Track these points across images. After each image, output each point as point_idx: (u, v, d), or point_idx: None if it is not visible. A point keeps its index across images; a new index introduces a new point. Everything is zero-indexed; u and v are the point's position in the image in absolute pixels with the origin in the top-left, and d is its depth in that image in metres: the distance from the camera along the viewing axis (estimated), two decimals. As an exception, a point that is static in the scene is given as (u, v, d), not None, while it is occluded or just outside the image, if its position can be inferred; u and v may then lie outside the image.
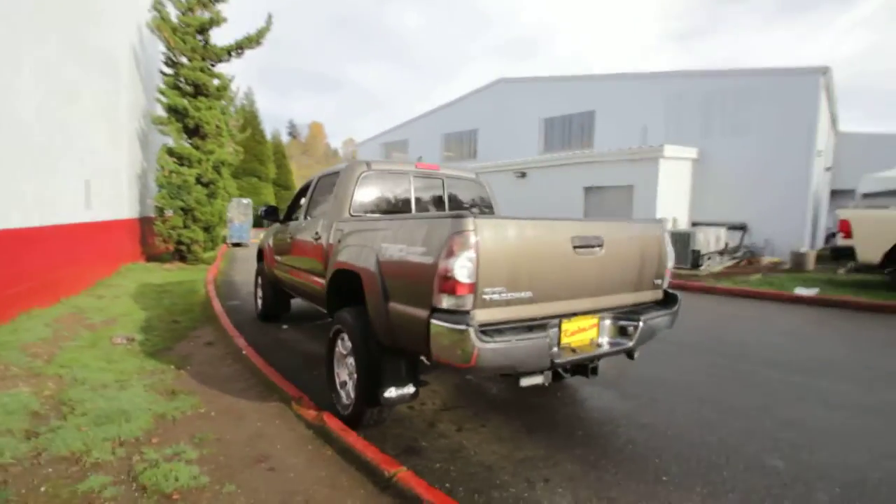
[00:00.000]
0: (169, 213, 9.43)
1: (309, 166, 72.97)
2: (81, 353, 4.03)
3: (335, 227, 3.49)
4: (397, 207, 3.93)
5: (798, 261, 11.27)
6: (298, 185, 42.03)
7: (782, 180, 14.49)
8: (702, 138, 15.99)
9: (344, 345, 3.04)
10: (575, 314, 2.55)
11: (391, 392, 2.66)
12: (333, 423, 2.74)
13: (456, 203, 4.23)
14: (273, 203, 31.81)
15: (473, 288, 2.12)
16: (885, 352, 4.92)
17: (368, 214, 3.72)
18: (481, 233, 2.13)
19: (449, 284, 2.11)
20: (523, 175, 17.06)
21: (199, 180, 9.59)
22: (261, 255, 6.06)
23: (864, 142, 18.59)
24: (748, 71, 15.49)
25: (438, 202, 4.14)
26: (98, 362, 3.86)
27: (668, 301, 3.05)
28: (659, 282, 2.99)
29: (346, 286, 3.29)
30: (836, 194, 19.20)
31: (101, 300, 6.17)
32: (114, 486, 2.14)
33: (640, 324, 2.70)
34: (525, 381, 2.42)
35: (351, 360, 2.97)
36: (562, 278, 2.45)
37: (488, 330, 2.14)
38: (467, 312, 2.13)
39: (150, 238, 9.96)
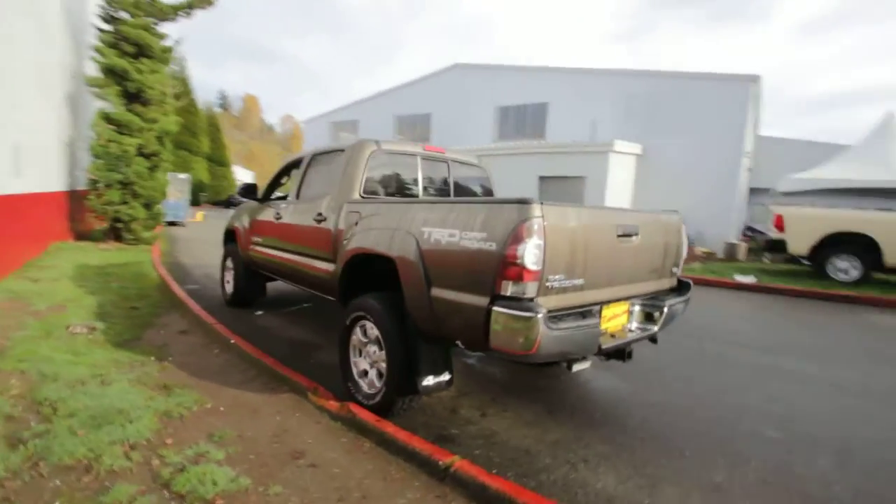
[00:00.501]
0: (104, 186, 8.43)
1: (242, 142, 68.41)
2: (37, 345, 3.52)
3: (347, 209, 3.29)
4: (406, 190, 3.79)
5: (730, 251, 12.40)
6: (235, 161, 39.32)
7: (714, 177, 15.75)
8: (645, 135, 16.95)
9: (366, 332, 2.90)
10: (612, 301, 2.61)
11: (429, 380, 2.59)
12: (365, 415, 2.62)
13: (461, 188, 4.16)
14: (206, 181, 29.58)
15: (539, 275, 2.10)
16: (828, 333, 5.56)
17: (387, 196, 3.55)
18: (548, 219, 2.10)
19: (515, 271, 2.07)
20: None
21: (140, 151, 8.64)
22: (230, 236, 5.62)
23: (779, 145, 20.57)
24: (688, 74, 16.58)
25: (445, 186, 4.05)
26: (62, 354, 3.40)
27: (681, 288, 3.22)
28: (675, 270, 3.14)
29: (365, 272, 3.14)
30: (753, 192, 21.26)
31: (39, 284, 5.42)
32: (144, 495, 1.90)
33: (666, 309, 2.82)
34: (576, 367, 2.45)
35: (374, 349, 2.85)
36: (607, 266, 2.49)
37: (549, 317, 2.14)
38: (532, 300, 2.11)
39: (80, 214, 8.87)
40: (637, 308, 2.82)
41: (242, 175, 40.14)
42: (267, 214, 4.65)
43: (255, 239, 4.84)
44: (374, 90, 24.52)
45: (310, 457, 2.32)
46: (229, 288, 5.53)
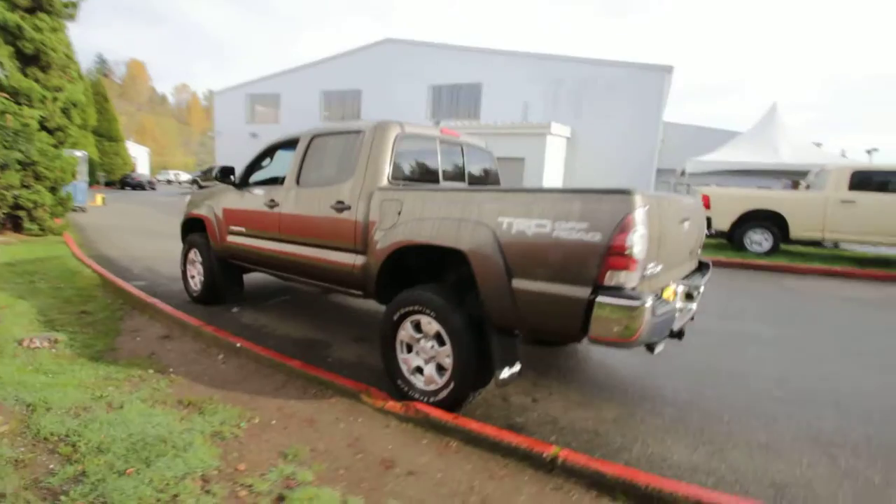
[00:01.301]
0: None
1: (130, 114, 60.22)
2: (-8, 367, 2.88)
3: (381, 197, 3.06)
4: (427, 176, 3.61)
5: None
6: (126, 135, 34.57)
7: (634, 159, 17.10)
8: (573, 119, 17.85)
9: (420, 328, 2.76)
10: (669, 283, 2.75)
11: (505, 372, 2.54)
12: (439, 413, 2.52)
13: (475, 174, 4.06)
14: (95, 158, 25.81)
15: (642, 264, 2.14)
16: (766, 298, 6.38)
17: (423, 183, 3.37)
18: (649, 208, 2.14)
19: (622, 261, 2.08)
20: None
21: (43, 125, 7.26)
22: (192, 225, 4.99)
23: (674, 130, 22.74)
24: (611, 62, 17.64)
25: (461, 172, 3.92)
26: (31, 376, 2.81)
27: (702, 267, 3.48)
28: (699, 251, 3.38)
29: (410, 264, 2.98)
30: (658, 172, 23.49)
31: (-57, 290, 4.39)
32: (259, 532, 1.66)
33: (702, 288, 3.04)
34: (658, 349, 2.55)
35: (431, 344, 2.73)
36: (673, 250, 2.61)
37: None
38: (634, 288, 2.14)
39: (-39, 201, 7.27)
40: (680, 289, 2.99)
41: (136, 152, 35.55)
42: (252, 202, 4.18)
43: (236, 229, 4.33)
44: (294, 61, 22.84)
45: (402, 464, 2.18)
46: (195, 283, 4.93)
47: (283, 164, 4.68)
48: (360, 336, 4.13)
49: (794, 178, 20.23)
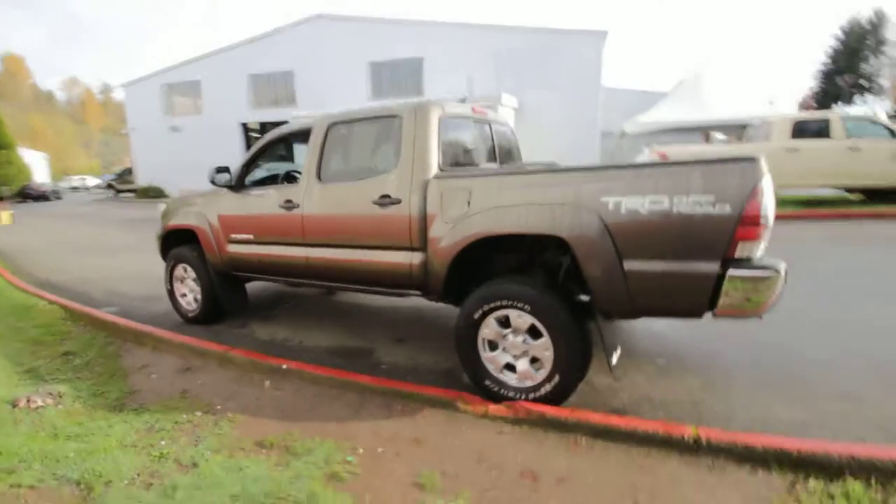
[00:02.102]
0: None
1: (13, 115, 52.43)
2: (-2, 439, 2.33)
3: (440, 187, 2.78)
4: (468, 158, 3.35)
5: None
6: (16, 140, 30.07)
7: (578, 126, 17.49)
8: (518, 89, 17.86)
9: (509, 323, 2.57)
10: None
11: (614, 357, 2.44)
12: (555, 411, 2.37)
13: (504, 152, 3.84)
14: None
15: (769, 233, 2.08)
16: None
17: (459, 167, 3.09)
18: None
19: (754, 231, 2.01)
20: (365, 123, 16.16)
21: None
22: (179, 237, 4.37)
23: (625, 96, 23.60)
24: (549, 30, 17.72)
25: (493, 152, 3.69)
26: (53, 444, 2.32)
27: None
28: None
29: (481, 257, 2.76)
30: (603, 136, 24.37)
31: None
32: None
33: None
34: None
35: (522, 339, 2.56)
36: None
37: None
38: (760, 258, 2.09)
39: None
40: None
41: (32, 158, 31.18)
42: (258, 205, 3.71)
43: (239, 237, 3.83)
44: (215, 45, 20.89)
45: (546, 473, 2.03)
46: (188, 302, 4.36)
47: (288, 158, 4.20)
48: (399, 336, 3.86)
49: (727, 132, 21.76)
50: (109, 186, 25.56)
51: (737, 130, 22.07)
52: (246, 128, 21.13)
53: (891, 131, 9.02)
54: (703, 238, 2.09)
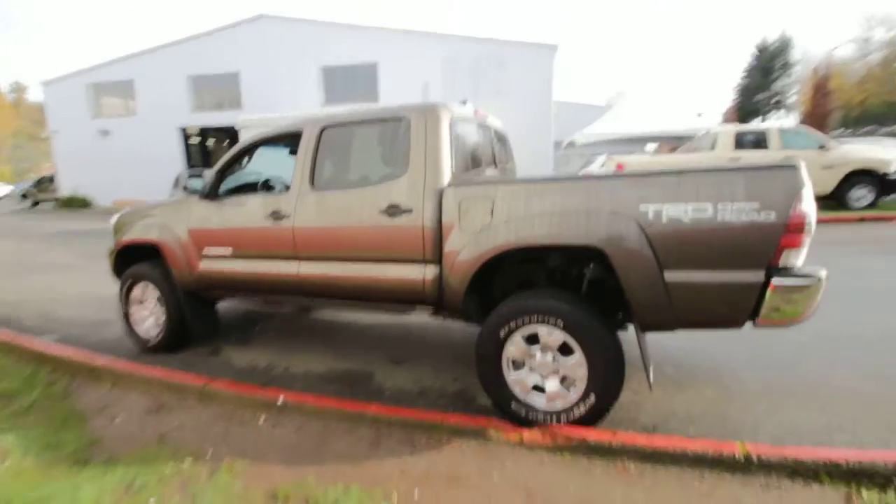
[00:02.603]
0: None
1: None
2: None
3: (456, 195, 2.58)
4: (474, 164, 3.17)
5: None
6: None
7: (532, 136, 17.81)
8: (474, 98, 17.99)
9: (537, 340, 2.41)
10: None
11: (651, 372, 2.34)
12: (597, 435, 2.23)
13: (501, 158, 3.70)
14: None
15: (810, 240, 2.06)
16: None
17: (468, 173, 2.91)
18: (807, 182, 2.06)
19: (797, 239, 1.99)
20: (320, 129, 15.58)
21: None
22: (137, 253, 3.86)
23: (571, 108, 24.50)
24: (503, 41, 18.03)
25: (493, 157, 3.54)
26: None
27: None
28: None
29: (501, 268, 2.59)
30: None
31: None
32: None
33: None
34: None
35: (551, 357, 2.41)
36: None
37: None
38: (800, 266, 2.07)
39: None
40: None
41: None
42: (238, 216, 3.33)
43: (215, 252, 3.42)
44: (150, 42, 19.44)
45: (606, 506, 1.87)
46: (149, 328, 3.84)
47: (268, 164, 3.84)
48: (395, 357, 3.60)
49: (661, 142, 23.16)
50: (25, 196, 22.93)
51: (672, 141, 23.60)
52: (185, 132, 19.76)
53: (820, 142, 9.88)
54: (748, 246, 2.04)
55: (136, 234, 3.79)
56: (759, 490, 1.94)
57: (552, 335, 2.37)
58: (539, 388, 2.48)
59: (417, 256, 2.70)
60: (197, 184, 3.36)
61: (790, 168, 2.00)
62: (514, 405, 2.49)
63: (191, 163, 20.09)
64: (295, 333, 4.28)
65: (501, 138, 3.84)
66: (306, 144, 3.11)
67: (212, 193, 3.46)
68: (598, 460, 2.15)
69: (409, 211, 2.69)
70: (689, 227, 2.09)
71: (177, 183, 12.80)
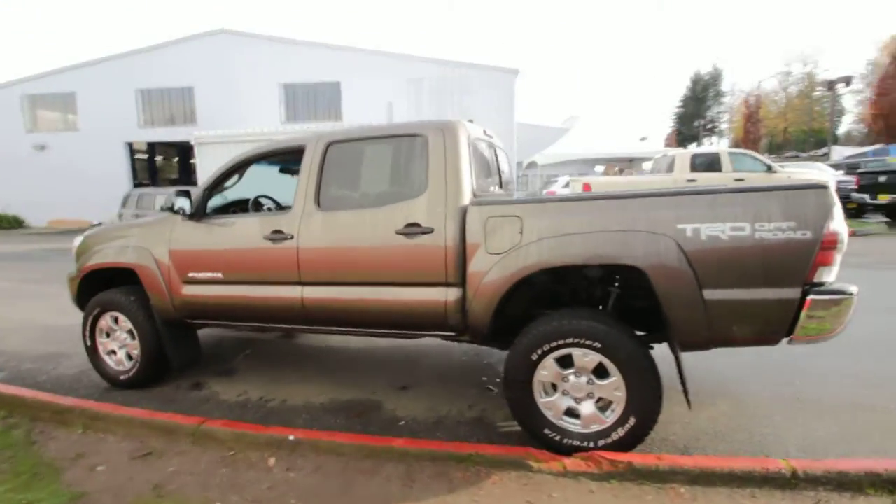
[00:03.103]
0: None
1: None
2: None
3: (482, 214, 2.48)
4: (486, 184, 3.11)
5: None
6: None
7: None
8: (437, 118, 18.18)
9: (571, 363, 2.34)
10: None
11: (689, 390, 2.32)
12: (643, 458, 2.16)
13: (505, 178, 3.67)
14: None
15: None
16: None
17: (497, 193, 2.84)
18: (834, 200, 2.14)
19: (830, 256, 2.05)
20: (282, 147, 15.12)
21: None
22: (106, 279, 3.49)
23: (527, 129, 25.22)
24: (467, 64, 18.46)
25: (499, 175, 3.49)
26: None
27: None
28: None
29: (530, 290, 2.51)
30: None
31: None
32: None
33: None
34: None
35: (585, 380, 2.34)
36: None
37: None
38: (832, 282, 2.13)
39: None
40: None
41: None
42: (230, 237, 3.08)
43: (201, 277, 3.13)
44: (95, 54, 18.33)
45: (670, 536, 1.79)
46: (119, 361, 3.45)
47: (261, 183, 3.61)
48: (399, 383, 3.41)
49: (618, 164, 24.37)
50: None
51: (620, 163, 24.88)
52: (132, 148, 18.62)
53: (767, 165, 10.67)
54: (785, 264, 2.07)
55: (107, 257, 3.41)
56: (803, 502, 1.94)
57: (587, 357, 2.31)
58: (572, 413, 2.40)
59: (439, 278, 2.58)
60: (182, 204, 3.07)
61: (822, 188, 2.07)
62: (547, 430, 2.39)
63: (137, 180, 18.89)
64: (283, 360, 3.99)
65: (503, 157, 3.81)
66: (310, 161, 2.93)
67: (198, 213, 3.18)
68: (648, 486, 2.08)
69: (429, 231, 2.57)
70: (727, 245, 2.11)
71: (125, 202, 11.92)
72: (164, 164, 22.94)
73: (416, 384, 3.39)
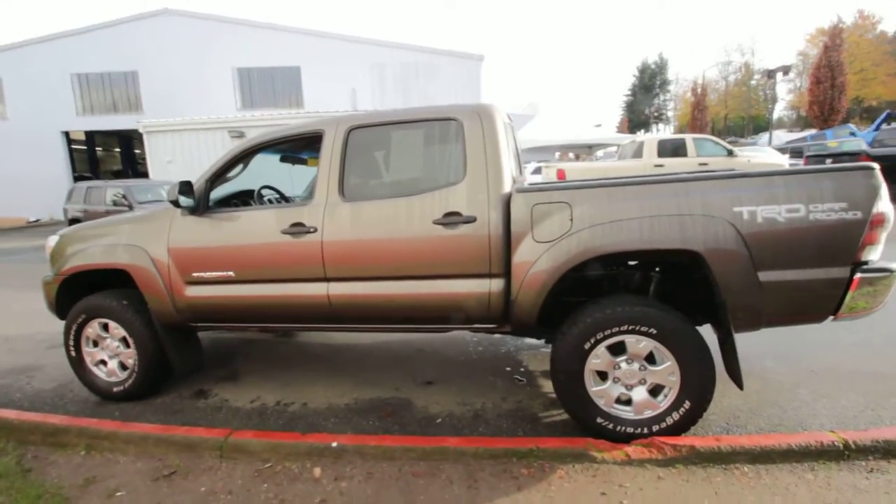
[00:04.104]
0: None
1: None
2: None
3: (528, 201, 2.38)
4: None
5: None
6: None
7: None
8: (403, 105, 17.84)
9: (623, 350, 2.32)
10: None
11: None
12: (702, 441, 2.18)
13: (520, 158, 3.58)
14: None
15: (885, 235, 2.20)
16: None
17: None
18: (878, 179, 2.20)
19: (878, 235, 2.11)
20: (241, 135, 14.32)
21: None
22: (91, 282, 3.14)
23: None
24: (431, 50, 18.16)
25: (518, 162, 3.40)
26: None
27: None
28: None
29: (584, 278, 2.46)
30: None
31: None
32: None
33: None
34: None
35: (637, 366, 2.33)
36: None
37: None
38: (875, 260, 2.20)
39: None
40: None
41: None
42: (243, 231, 2.82)
43: (212, 276, 2.85)
44: (23, 35, 16.50)
45: (751, 517, 1.81)
46: (110, 371, 3.12)
47: (267, 172, 3.34)
48: (422, 378, 3.30)
49: (575, 151, 24.89)
50: None
51: (577, 150, 25.48)
52: (69, 138, 17.07)
53: (728, 150, 11.19)
54: (836, 244, 2.12)
55: (93, 258, 3.06)
56: (866, 474, 2.01)
57: (641, 343, 2.29)
58: (620, 400, 2.38)
59: (481, 269, 2.47)
60: (185, 199, 2.77)
61: (869, 169, 2.12)
62: (600, 419, 2.36)
63: (76, 172, 17.37)
64: (288, 362, 3.76)
65: (517, 143, 3.72)
66: (330, 148, 2.72)
67: (201, 207, 2.89)
68: (713, 468, 2.10)
69: (472, 220, 2.45)
70: (783, 227, 2.13)
71: (70, 196, 10.91)
72: (105, 156, 21.20)
73: (441, 379, 3.29)
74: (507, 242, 2.43)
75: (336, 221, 2.64)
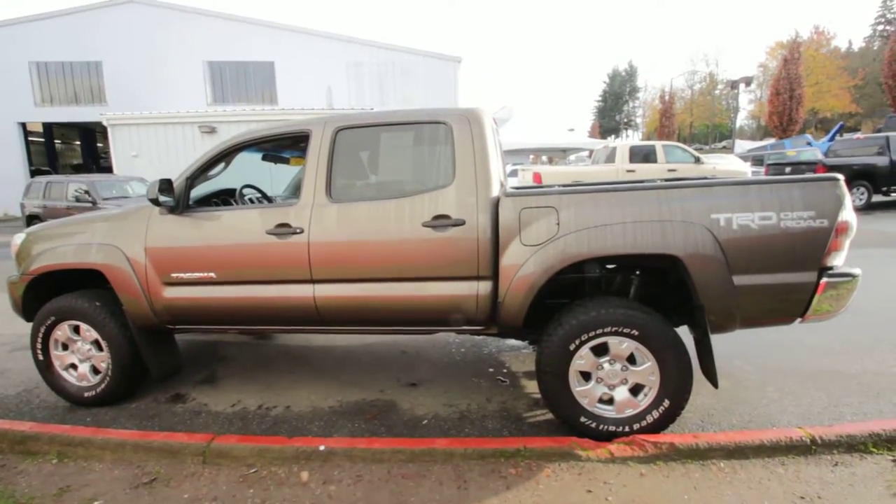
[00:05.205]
0: None
1: None
2: None
3: (515, 205, 2.43)
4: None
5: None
6: None
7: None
8: (379, 104, 17.74)
9: (606, 352, 2.39)
10: None
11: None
12: (679, 438, 2.27)
13: (503, 161, 3.63)
14: None
15: (848, 241, 2.35)
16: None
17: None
18: (840, 189, 2.34)
19: (842, 242, 2.25)
20: (213, 130, 13.93)
21: None
22: (59, 283, 3.00)
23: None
24: (409, 50, 18.12)
25: (502, 160, 3.44)
26: None
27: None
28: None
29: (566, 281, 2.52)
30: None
31: None
32: None
33: None
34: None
35: (620, 366, 2.41)
36: None
37: None
38: (839, 265, 2.35)
39: None
40: None
41: None
42: (226, 231, 2.76)
43: (191, 277, 2.78)
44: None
45: (728, 510, 1.90)
46: (81, 376, 3.00)
47: (249, 171, 3.28)
48: (406, 379, 3.31)
49: (548, 154, 25.33)
50: None
51: (555, 153, 25.93)
52: (26, 129, 16.20)
53: (695, 157, 11.62)
54: (805, 250, 2.25)
55: (64, 258, 2.93)
56: (831, 468, 2.15)
57: (623, 345, 2.37)
58: (605, 399, 2.46)
59: (469, 272, 2.50)
60: (166, 198, 2.69)
61: (836, 180, 2.26)
62: (583, 418, 2.43)
63: (34, 166, 16.50)
64: (268, 364, 3.70)
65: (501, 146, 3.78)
66: (318, 148, 2.70)
67: (182, 206, 2.81)
68: (692, 464, 2.19)
69: (460, 223, 2.48)
70: (756, 234, 2.25)
71: (28, 191, 10.35)
72: (64, 149, 20.20)
73: (425, 380, 3.30)
74: (496, 245, 2.47)
75: (323, 223, 2.62)
